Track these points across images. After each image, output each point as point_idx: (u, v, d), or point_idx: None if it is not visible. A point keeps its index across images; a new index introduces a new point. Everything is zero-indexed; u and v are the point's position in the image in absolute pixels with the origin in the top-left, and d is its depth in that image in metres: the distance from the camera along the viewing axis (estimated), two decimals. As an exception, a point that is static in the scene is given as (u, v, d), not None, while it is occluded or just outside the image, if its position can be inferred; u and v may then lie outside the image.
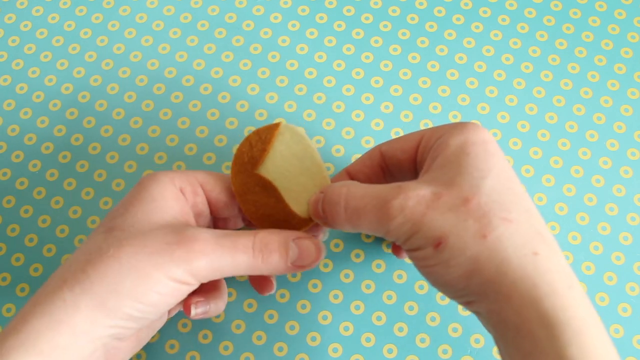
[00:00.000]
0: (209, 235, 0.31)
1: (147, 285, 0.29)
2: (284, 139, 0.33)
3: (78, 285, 0.29)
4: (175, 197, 0.33)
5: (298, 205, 0.34)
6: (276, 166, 0.34)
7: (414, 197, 0.29)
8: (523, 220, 0.29)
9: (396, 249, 0.39)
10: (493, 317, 0.28)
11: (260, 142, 0.34)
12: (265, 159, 0.34)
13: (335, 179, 0.36)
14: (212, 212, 0.35)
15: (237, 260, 0.31)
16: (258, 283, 0.36)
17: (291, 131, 0.33)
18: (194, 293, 0.35)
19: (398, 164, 0.34)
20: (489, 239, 0.28)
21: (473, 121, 0.38)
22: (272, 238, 0.32)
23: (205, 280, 0.31)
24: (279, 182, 0.34)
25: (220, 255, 0.30)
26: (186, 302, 0.34)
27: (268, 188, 0.34)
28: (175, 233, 0.30)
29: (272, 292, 0.36)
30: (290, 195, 0.34)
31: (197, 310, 0.34)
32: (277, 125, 0.34)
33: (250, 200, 0.34)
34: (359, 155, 0.43)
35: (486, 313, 0.29)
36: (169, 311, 0.36)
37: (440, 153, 0.31)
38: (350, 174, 0.36)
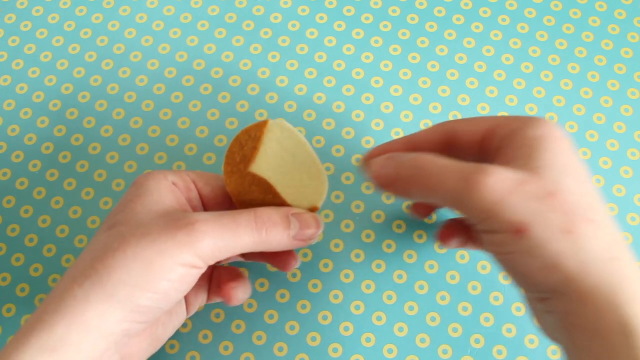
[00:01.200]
0: (208, 216, 0.31)
1: (154, 274, 0.29)
2: (274, 135, 0.33)
3: (87, 281, 0.29)
4: (170, 190, 0.33)
5: (296, 200, 0.34)
6: (269, 163, 0.33)
7: (499, 177, 0.28)
8: (605, 223, 0.28)
9: (419, 209, 0.38)
10: (567, 318, 0.28)
11: (250, 140, 0.33)
12: (257, 156, 0.33)
13: (395, 144, 0.35)
14: (205, 210, 0.36)
15: (241, 237, 0.31)
16: (279, 259, 0.36)
17: (280, 127, 0.33)
18: (224, 279, 0.35)
19: (464, 145, 0.34)
20: (574, 236, 0.27)
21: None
22: (272, 212, 0.32)
23: (212, 262, 0.31)
24: (274, 179, 0.33)
25: (222, 233, 0.30)
26: (225, 291, 0.34)
27: (264, 186, 0.33)
28: (176, 219, 0.31)
29: (297, 265, 0.36)
30: (287, 191, 0.34)
31: (238, 295, 0.34)
32: (265, 122, 0.33)
33: (247, 200, 0.34)
34: (359, 156, 0.43)
35: (560, 313, 0.28)
36: (188, 310, 0.36)
37: (518, 144, 0.30)
38: (414, 144, 0.35)
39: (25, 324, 0.29)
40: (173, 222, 0.30)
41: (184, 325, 0.39)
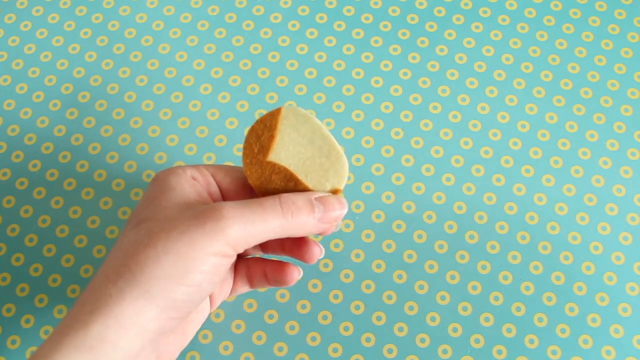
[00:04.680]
0: (234, 203, 0.31)
1: (187, 266, 0.29)
2: (289, 122, 0.33)
3: (121, 279, 0.29)
4: (191, 184, 0.33)
5: (318, 185, 0.34)
6: (288, 151, 0.33)
7: None
8: None
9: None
10: None
11: (266, 129, 0.33)
12: (275, 145, 0.33)
13: None
14: None
15: (268, 222, 0.31)
16: (302, 250, 0.35)
17: (295, 113, 0.33)
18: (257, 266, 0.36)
19: None
20: None
21: None
22: (296, 197, 0.32)
23: (241, 249, 0.31)
24: (294, 166, 0.33)
25: (250, 219, 0.30)
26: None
27: (284, 174, 0.33)
28: (202, 209, 0.31)
29: (322, 255, 0.35)
30: (308, 177, 0.34)
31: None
32: (278, 110, 0.33)
33: (270, 190, 0.34)
34: (359, 156, 0.43)
35: None
36: (211, 303, 0.36)
37: None
38: None
39: (60, 324, 0.29)
40: (200, 212, 0.30)
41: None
